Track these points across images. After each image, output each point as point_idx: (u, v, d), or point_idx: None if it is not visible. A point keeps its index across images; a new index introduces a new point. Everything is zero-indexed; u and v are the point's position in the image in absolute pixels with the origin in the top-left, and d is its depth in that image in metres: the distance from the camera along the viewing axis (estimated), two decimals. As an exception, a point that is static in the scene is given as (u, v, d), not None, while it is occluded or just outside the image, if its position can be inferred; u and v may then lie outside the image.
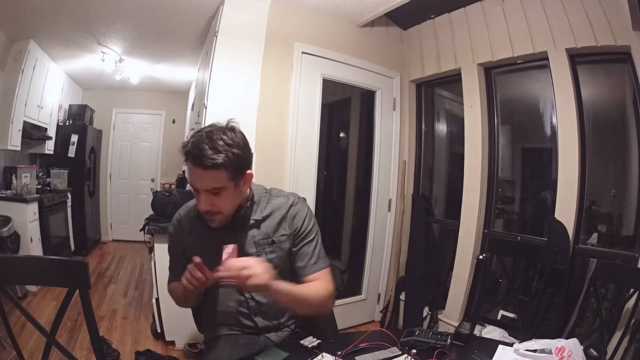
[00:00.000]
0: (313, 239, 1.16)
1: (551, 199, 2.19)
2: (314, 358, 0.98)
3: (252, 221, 1.12)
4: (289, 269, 1.15)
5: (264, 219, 1.13)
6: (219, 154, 0.95)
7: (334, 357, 0.99)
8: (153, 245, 2.39)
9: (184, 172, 5.39)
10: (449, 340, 1.07)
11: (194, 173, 0.98)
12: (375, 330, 1.18)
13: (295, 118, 2.58)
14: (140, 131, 5.67)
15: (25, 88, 3.50)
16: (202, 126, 2.42)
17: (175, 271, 1.19)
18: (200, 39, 3.27)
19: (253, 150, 2.68)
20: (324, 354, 1.00)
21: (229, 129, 1.00)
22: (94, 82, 4.91)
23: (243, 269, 0.91)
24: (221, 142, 0.96)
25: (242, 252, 1.06)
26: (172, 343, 2.42)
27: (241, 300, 1.17)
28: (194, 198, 1.10)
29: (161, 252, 2.35)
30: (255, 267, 0.92)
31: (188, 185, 3.93)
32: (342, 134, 3.34)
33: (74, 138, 4.54)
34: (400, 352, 1.02)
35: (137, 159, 5.63)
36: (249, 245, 1.12)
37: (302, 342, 1.05)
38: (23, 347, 1.42)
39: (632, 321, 1.54)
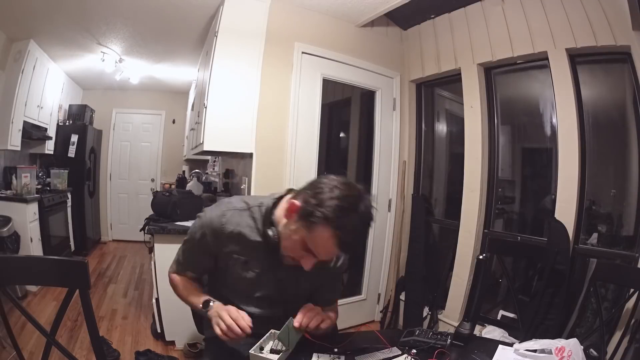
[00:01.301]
0: (340, 271, 1.25)
1: (552, 204, 2.20)
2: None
3: None
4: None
5: None
6: (361, 244, 1.03)
7: (329, 355, 0.99)
8: (153, 245, 2.39)
9: (183, 172, 5.40)
10: (449, 340, 1.07)
11: (332, 253, 0.95)
12: (369, 330, 1.18)
13: (295, 118, 2.58)
14: (140, 131, 5.67)
15: (25, 88, 3.50)
16: (203, 125, 2.44)
17: (190, 266, 1.18)
18: (200, 39, 3.27)
19: (253, 151, 2.68)
20: (319, 354, 1.00)
21: (370, 200, 0.94)
22: (94, 82, 4.91)
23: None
24: (366, 227, 0.94)
25: (286, 278, 1.11)
26: (172, 343, 2.42)
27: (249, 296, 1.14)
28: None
29: (161, 252, 2.35)
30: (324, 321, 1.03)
31: (188, 185, 3.95)
32: (342, 134, 3.34)
33: (74, 138, 4.54)
34: (400, 352, 1.02)
35: (137, 159, 5.63)
36: (297, 269, 1.03)
37: None
38: (23, 347, 1.42)
39: (632, 321, 1.54)
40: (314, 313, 1.03)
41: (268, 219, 1.06)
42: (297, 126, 2.59)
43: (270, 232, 1.02)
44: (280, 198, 1.08)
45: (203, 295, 1.12)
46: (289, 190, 1.08)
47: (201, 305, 1.08)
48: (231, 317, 0.99)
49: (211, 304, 1.07)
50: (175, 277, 1.21)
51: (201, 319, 1.34)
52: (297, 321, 0.99)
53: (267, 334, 1.00)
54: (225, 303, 1.09)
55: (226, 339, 0.98)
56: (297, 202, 0.95)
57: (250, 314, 1.07)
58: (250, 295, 1.12)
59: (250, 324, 0.98)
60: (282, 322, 1.00)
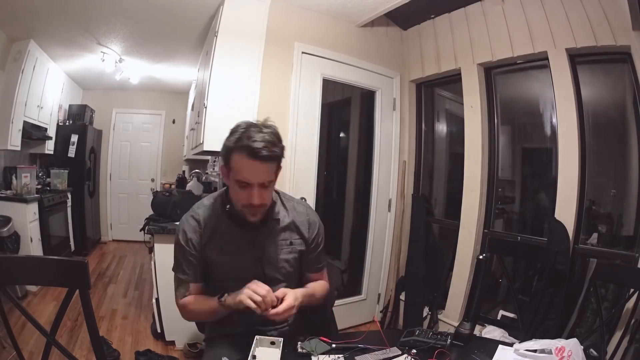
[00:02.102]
0: (321, 245, 1.29)
1: (548, 199, 2.20)
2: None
3: (277, 220, 1.20)
4: (298, 267, 1.25)
5: (285, 220, 1.21)
6: (274, 146, 1.02)
7: (328, 356, 0.99)
8: (153, 245, 2.39)
9: (183, 172, 5.40)
10: (449, 340, 1.07)
11: (251, 166, 1.01)
12: (371, 330, 1.18)
13: (296, 118, 2.58)
14: (140, 131, 5.67)
15: (25, 88, 3.50)
16: (203, 125, 2.44)
17: (193, 277, 1.16)
18: (200, 39, 3.27)
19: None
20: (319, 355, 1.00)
21: (267, 125, 1.06)
22: (94, 82, 4.91)
23: (291, 309, 1.03)
24: (271, 136, 1.03)
25: (264, 250, 1.17)
26: (172, 343, 2.42)
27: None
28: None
29: (161, 252, 2.35)
30: (295, 303, 1.05)
31: (188, 185, 3.95)
32: (342, 134, 3.34)
33: (74, 138, 4.54)
34: (400, 352, 1.02)
35: (137, 159, 5.63)
36: (271, 244, 1.18)
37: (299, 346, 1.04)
38: (23, 347, 1.42)
39: (632, 321, 1.54)
40: (290, 300, 1.04)
41: (227, 197, 1.17)
42: (297, 126, 2.59)
43: (227, 206, 1.15)
44: None
45: (213, 297, 1.13)
46: None
47: (217, 300, 1.08)
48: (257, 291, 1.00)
49: (226, 294, 1.07)
50: (184, 300, 1.17)
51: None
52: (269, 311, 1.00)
53: (254, 341, 0.99)
54: (223, 289, 1.15)
55: (260, 311, 0.99)
56: (221, 165, 1.12)
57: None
58: (235, 276, 1.13)
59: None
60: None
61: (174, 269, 1.20)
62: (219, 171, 1.18)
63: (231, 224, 1.15)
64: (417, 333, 1.09)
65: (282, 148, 1.06)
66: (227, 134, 1.09)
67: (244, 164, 1.02)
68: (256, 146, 0.99)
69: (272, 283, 1.14)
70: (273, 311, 1.00)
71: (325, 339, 1.06)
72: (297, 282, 1.26)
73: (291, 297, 1.04)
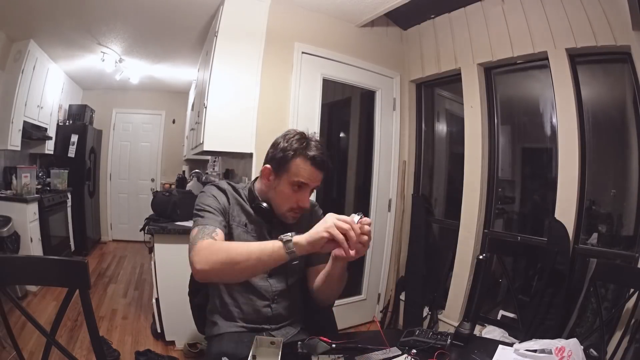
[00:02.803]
0: None
1: (548, 199, 2.20)
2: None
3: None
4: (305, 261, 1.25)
5: (300, 219, 1.21)
6: (329, 160, 1.14)
7: (328, 356, 0.99)
8: (153, 245, 2.39)
9: (183, 172, 5.40)
10: (449, 340, 1.07)
11: (314, 172, 1.11)
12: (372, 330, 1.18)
13: (295, 118, 2.58)
14: (140, 131, 5.67)
15: (25, 88, 3.50)
16: (203, 125, 2.44)
17: (218, 223, 1.08)
18: (200, 39, 3.27)
19: (253, 150, 2.68)
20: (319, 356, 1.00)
21: (317, 138, 1.15)
22: (94, 82, 4.91)
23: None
24: (325, 150, 1.13)
25: None
26: (172, 343, 2.42)
27: (263, 287, 1.19)
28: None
29: (161, 252, 2.35)
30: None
31: (188, 185, 3.94)
32: (342, 134, 3.34)
33: (74, 138, 4.54)
34: (400, 352, 1.02)
35: (137, 159, 5.63)
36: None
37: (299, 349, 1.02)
38: (23, 347, 1.42)
39: (632, 321, 1.54)
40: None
41: (252, 195, 1.21)
42: (297, 126, 2.55)
43: (263, 205, 1.16)
44: (256, 178, 1.25)
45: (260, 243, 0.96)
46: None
47: (280, 240, 0.89)
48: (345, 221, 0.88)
49: (290, 233, 0.90)
50: (209, 241, 0.98)
51: (202, 318, 1.33)
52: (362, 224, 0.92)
53: (254, 342, 0.99)
54: (233, 292, 1.18)
55: (346, 248, 0.87)
56: (267, 165, 1.16)
57: (257, 288, 1.16)
58: None
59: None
60: (284, 295, 1.14)
61: (197, 222, 1.07)
62: (260, 174, 1.16)
63: (255, 217, 1.19)
64: (417, 333, 1.09)
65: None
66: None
67: (308, 169, 1.10)
68: (322, 158, 1.10)
69: (282, 275, 1.21)
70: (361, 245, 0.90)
71: (325, 339, 1.06)
72: (300, 292, 1.27)
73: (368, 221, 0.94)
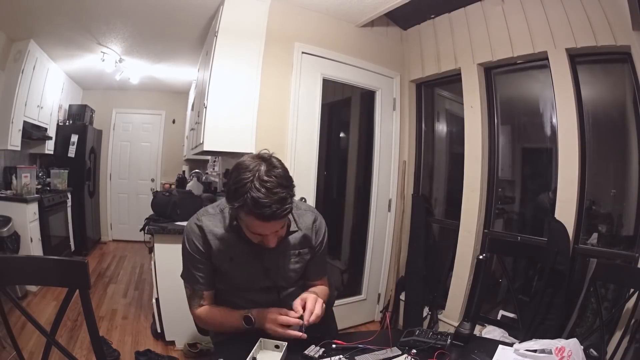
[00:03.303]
0: (324, 248, 1.30)
1: (549, 201, 2.20)
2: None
3: (288, 233, 1.18)
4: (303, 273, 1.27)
5: (293, 232, 1.20)
6: (285, 203, 0.95)
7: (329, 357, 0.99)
8: (153, 245, 2.39)
9: (183, 172, 5.40)
10: (449, 340, 1.07)
11: (263, 225, 0.98)
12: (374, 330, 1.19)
13: (295, 118, 2.58)
14: (140, 131, 5.67)
15: (25, 88, 3.50)
16: (203, 125, 2.44)
17: (206, 285, 1.17)
18: (200, 39, 3.27)
19: (253, 150, 2.69)
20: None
21: (273, 166, 0.98)
22: (94, 82, 4.91)
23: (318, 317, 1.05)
24: (280, 189, 0.94)
25: (272, 262, 1.17)
26: (172, 343, 2.42)
27: (274, 297, 1.20)
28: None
29: (161, 252, 2.35)
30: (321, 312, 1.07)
31: (188, 185, 3.95)
32: (342, 134, 3.34)
33: (74, 138, 4.54)
34: (400, 352, 1.02)
35: (137, 159, 5.63)
36: (279, 255, 1.18)
37: (306, 352, 1.01)
38: (23, 347, 1.42)
39: (632, 321, 1.54)
40: (312, 302, 1.07)
41: (234, 216, 1.12)
42: (297, 126, 2.59)
43: (237, 225, 1.12)
44: None
45: (234, 312, 1.12)
46: None
47: (244, 323, 1.08)
48: (281, 322, 1.03)
49: (250, 315, 1.08)
50: (200, 311, 1.18)
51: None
52: (305, 320, 1.03)
53: (257, 343, 0.99)
54: (230, 297, 1.18)
55: (285, 334, 1.02)
56: None
57: (257, 303, 1.15)
58: (246, 287, 1.18)
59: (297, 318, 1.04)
60: (279, 307, 1.10)
61: (183, 277, 1.20)
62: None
63: (239, 237, 1.14)
64: (417, 333, 1.09)
65: (293, 195, 0.99)
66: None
67: (255, 224, 0.99)
68: (266, 212, 0.93)
69: (280, 290, 1.20)
70: (304, 322, 1.03)
71: (339, 341, 1.06)
72: (301, 285, 1.28)
73: (319, 306, 1.06)
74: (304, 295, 1.10)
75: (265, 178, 0.94)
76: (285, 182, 0.97)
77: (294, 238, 1.20)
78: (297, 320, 1.02)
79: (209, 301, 1.19)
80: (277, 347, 0.99)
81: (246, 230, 1.06)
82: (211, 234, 1.14)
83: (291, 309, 1.08)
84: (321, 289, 1.28)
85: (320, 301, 1.08)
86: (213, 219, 1.17)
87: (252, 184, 0.93)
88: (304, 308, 1.05)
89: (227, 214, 1.16)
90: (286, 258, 1.19)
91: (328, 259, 1.37)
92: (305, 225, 1.23)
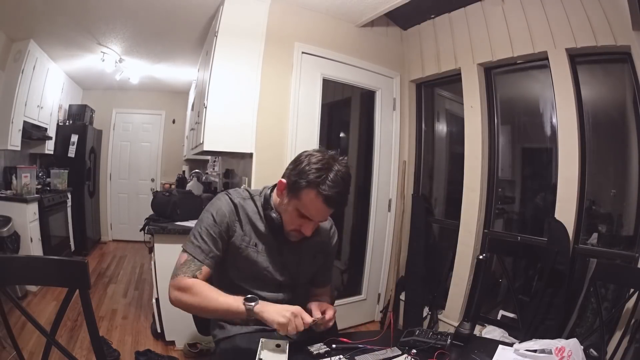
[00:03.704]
0: (333, 258, 1.34)
1: (548, 199, 2.20)
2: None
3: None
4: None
5: (313, 236, 1.18)
6: (347, 196, 1.08)
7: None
8: (153, 245, 2.39)
9: (183, 172, 5.41)
10: (449, 340, 1.07)
11: (323, 210, 1.05)
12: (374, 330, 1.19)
13: (295, 118, 2.58)
14: (140, 131, 5.67)
15: (25, 88, 3.50)
16: (203, 125, 2.44)
17: (211, 260, 1.09)
18: (200, 39, 3.27)
19: (253, 151, 2.68)
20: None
21: (343, 166, 1.07)
22: (94, 82, 4.91)
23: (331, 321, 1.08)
24: (347, 184, 1.07)
25: (290, 259, 1.19)
26: (172, 343, 2.42)
27: (271, 298, 1.14)
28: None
29: (161, 252, 2.35)
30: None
31: (188, 185, 3.95)
32: (342, 134, 3.34)
33: (74, 138, 4.54)
34: (400, 352, 1.02)
35: (137, 159, 5.63)
36: (297, 254, 1.20)
37: (310, 348, 1.01)
38: (23, 347, 1.42)
39: (632, 321, 1.54)
40: (331, 314, 1.09)
41: (268, 203, 1.16)
42: (297, 126, 2.59)
43: (273, 214, 1.12)
44: (275, 185, 1.18)
45: (230, 295, 1.03)
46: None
47: (244, 301, 0.98)
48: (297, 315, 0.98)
49: (254, 302, 0.98)
50: (192, 281, 1.06)
51: (202, 319, 1.33)
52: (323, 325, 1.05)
53: (260, 344, 0.98)
54: (235, 287, 1.14)
55: (287, 331, 0.96)
56: (283, 180, 1.11)
57: (263, 299, 1.09)
58: (261, 279, 1.17)
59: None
60: (292, 302, 1.06)
61: (187, 247, 1.11)
62: (273, 188, 1.16)
63: (266, 227, 1.15)
64: (417, 333, 1.09)
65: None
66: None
67: (317, 207, 1.03)
68: (335, 197, 1.02)
69: (288, 289, 1.20)
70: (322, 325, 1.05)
71: (345, 339, 1.06)
72: (305, 290, 1.29)
73: (333, 319, 1.09)
74: (322, 303, 1.12)
75: (344, 170, 1.05)
76: (349, 182, 1.09)
77: (313, 241, 1.20)
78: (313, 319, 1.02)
79: (203, 278, 1.08)
80: (278, 346, 0.99)
81: (291, 214, 1.08)
82: (244, 213, 1.15)
83: (300, 300, 1.11)
84: (328, 298, 1.29)
85: (333, 309, 1.11)
86: (245, 201, 1.18)
87: (333, 167, 1.03)
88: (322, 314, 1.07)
89: (259, 201, 1.17)
90: (304, 258, 1.21)
91: None
92: (324, 231, 1.26)
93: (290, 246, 1.17)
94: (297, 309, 0.98)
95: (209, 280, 1.12)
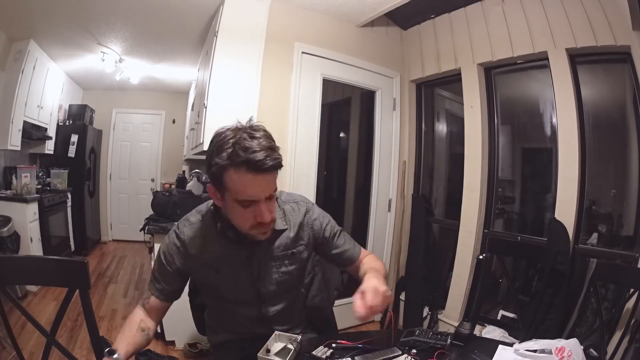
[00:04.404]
0: (339, 230, 1.18)
1: (548, 199, 2.20)
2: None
3: (276, 232, 1.06)
4: (303, 274, 1.19)
5: (283, 231, 1.08)
6: (274, 151, 0.88)
7: None
8: (153, 245, 2.39)
9: (183, 172, 5.39)
10: (449, 340, 1.07)
11: (255, 181, 0.88)
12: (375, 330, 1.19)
13: (295, 118, 2.58)
14: (140, 131, 5.67)
15: (25, 88, 3.50)
16: (203, 125, 2.44)
17: (158, 292, 1.09)
18: (200, 38, 3.27)
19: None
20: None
21: (255, 127, 0.91)
22: (94, 82, 4.91)
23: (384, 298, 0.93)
24: (267, 140, 0.89)
25: (262, 267, 1.07)
26: (172, 343, 2.42)
27: (256, 311, 1.11)
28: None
29: (161, 252, 2.35)
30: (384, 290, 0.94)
31: (188, 185, 3.94)
32: (342, 134, 3.34)
33: (74, 138, 4.54)
34: (400, 352, 1.02)
35: (137, 159, 5.63)
36: (269, 259, 1.08)
37: (314, 353, 1.00)
38: (23, 347, 1.42)
39: (632, 321, 1.54)
40: (371, 296, 0.94)
41: (218, 216, 1.05)
42: (297, 126, 2.59)
43: (219, 225, 1.03)
44: None
45: (122, 343, 1.06)
46: None
47: (107, 351, 1.01)
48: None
49: (115, 355, 1.00)
50: (134, 310, 1.10)
51: (202, 319, 1.33)
52: (359, 316, 0.92)
53: (272, 336, 0.99)
54: (223, 310, 1.13)
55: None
56: (209, 184, 0.99)
57: (248, 317, 1.10)
58: (234, 298, 1.10)
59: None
60: (281, 312, 1.05)
61: (152, 271, 1.14)
62: (207, 192, 1.07)
63: (224, 243, 1.04)
64: (417, 333, 1.09)
65: (278, 148, 0.92)
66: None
67: (246, 181, 0.87)
68: (258, 158, 0.85)
69: (272, 301, 1.11)
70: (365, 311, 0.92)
71: (342, 341, 1.06)
72: (299, 295, 1.22)
73: (378, 298, 0.93)
74: (363, 286, 0.97)
75: (251, 132, 0.89)
76: (271, 138, 0.92)
77: (285, 238, 1.08)
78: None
79: (150, 309, 1.11)
80: (291, 340, 0.98)
81: (236, 210, 0.94)
82: (194, 246, 1.05)
83: (278, 324, 1.08)
84: (370, 261, 1.16)
85: (379, 289, 0.94)
86: (194, 228, 1.07)
87: (239, 136, 0.87)
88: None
89: (209, 218, 1.07)
90: (277, 261, 1.08)
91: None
92: (296, 222, 1.11)
93: (260, 253, 1.06)
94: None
95: (162, 309, 1.14)
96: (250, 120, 0.93)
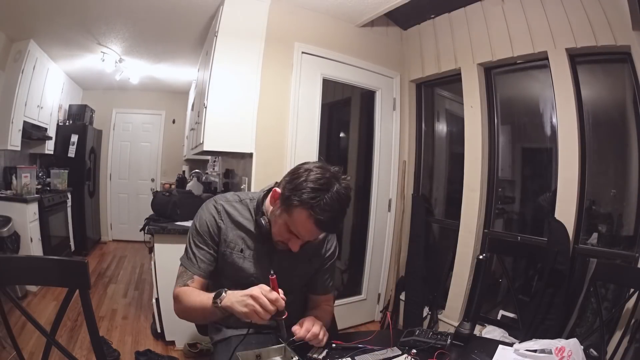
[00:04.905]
0: (334, 257, 1.27)
1: (549, 201, 2.20)
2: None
3: None
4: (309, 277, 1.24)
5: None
6: (343, 219, 1.01)
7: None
8: (153, 245, 2.39)
9: (183, 172, 5.40)
10: (449, 340, 1.07)
11: (314, 232, 0.99)
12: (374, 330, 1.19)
13: (295, 118, 2.58)
14: (140, 131, 5.67)
15: (25, 88, 3.50)
16: (203, 125, 2.44)
17: (199, 269, 1.11)
18: (200, 39, 3.27)
19: (253, 150, 2.68)
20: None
21: (344, 185, 0.98)
22: (94, 82, 4.91)
23: (320, 338, 1.02)
24: (344, 206, 0.98)
25: (280, 266, 1.11)
26: (172, 343, 2.42)
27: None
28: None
29: (161, 252, 2.35)
30: (324, 334, 1.04)
31: (188, 185, 3.95)
32: (342, 134, 3.34)
33: (74, 138, 4.54)
34: (400, 352, 1.02)
35: (137, 159, 5.63)
36: (288, 260, 1.14)
37: (310, 354, 1.00)
38: (23, 347, 1.42)
39: (632, 321, 1.54)
40: (311, 323, 1.03)
41: (259, 209, 1.13)
42: (297, 126, 2.59)
43: (262, 221, 1.08)
44: (269, 190, 1.13)
45: (210, 294, 1.03)
46: (276, 183, 1.12)
47: (213, 296, 0.98)
48: (265, 296, 0.91)
49: (223, 293, 0.97)
50: (181, 290, 1.10)
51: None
52: (297, 336, 0.99)
53: (275, 347, 0.98)
54: None
55: (256, 319, 0.91)
56: (278, 190, 1.05)
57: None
58: (248, 283, 1.10)
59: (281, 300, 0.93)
60: (290, 311, 1.03)
61: (181, 259, 1.15)
62: (271, 193, 1.08)
63: (254, 233, 1.13)
64: (417, 333, 1.09)
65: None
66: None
67: (307, 227, 0.97)
68: (328, 222, 0.96)
69: (288, 295, 1.11)
70: (309, 336, 1.00)
71: (337, 341, 1.06)
72: (302, 296, 1.26)
73: (317, 326, 1.03)
74: (307, 318, 1.06)
75: (343, 191, 0.97)
76: (348, 202, 0.99)
77: (307, 244, 1.13)
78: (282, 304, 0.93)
79: (196, 287, 1.11)
80: (258, 357, 0.95)
81: (280, 227, 1.03)
82: (229, 218, 1.13)
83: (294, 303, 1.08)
84: (323, 310, 1.23)
85: (319, 323, 1.04)
86: (232, 207, 1.15)
87: (334, 187, 0.95)
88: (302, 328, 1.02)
89: (249, 205, 1.15)
90: (295, 263, 1.16)
91: None
92: (320, 237, 1.18)
93: (282, 253, 1.12)
94: (256, 290, 0.91)
95: (204, 287, 1.13)
96: (345, 177, 1.00)
